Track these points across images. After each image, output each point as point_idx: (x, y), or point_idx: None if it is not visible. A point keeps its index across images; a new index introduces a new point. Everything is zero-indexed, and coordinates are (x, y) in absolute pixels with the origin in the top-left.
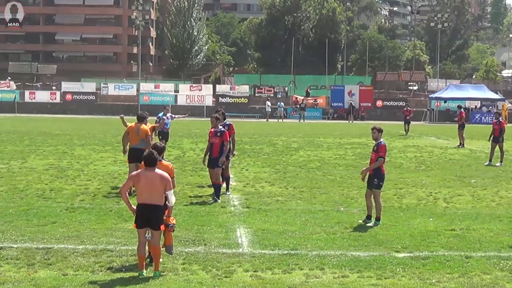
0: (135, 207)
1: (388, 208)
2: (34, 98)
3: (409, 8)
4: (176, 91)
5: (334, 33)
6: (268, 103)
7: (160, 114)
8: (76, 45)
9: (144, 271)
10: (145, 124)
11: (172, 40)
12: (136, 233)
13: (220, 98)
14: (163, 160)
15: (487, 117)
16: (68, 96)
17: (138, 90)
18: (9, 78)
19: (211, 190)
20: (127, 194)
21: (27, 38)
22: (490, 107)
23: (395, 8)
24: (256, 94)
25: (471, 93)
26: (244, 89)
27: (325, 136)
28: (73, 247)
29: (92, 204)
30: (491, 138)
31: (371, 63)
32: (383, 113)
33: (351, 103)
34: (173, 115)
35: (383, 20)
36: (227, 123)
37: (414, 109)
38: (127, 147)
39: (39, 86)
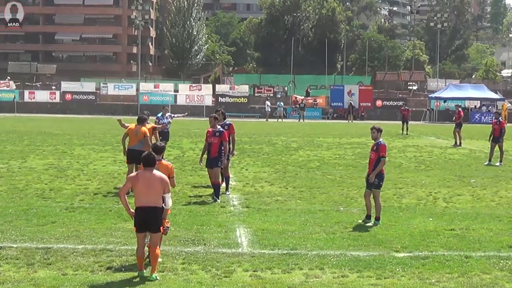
0: (133, 211)
1: (388, 208)
2: (34, 98)
3: (408, 8)
4: (176, 91)
5: (334, 33)
6: (268, 103)
7: (159, 115)
8: (75, 45)
9: (144, 271)
10: (145, 126)
11: (172, 40)
12: (136, 234)
13: (219, 98)
14: (163, 160)
15: (486, 117)
16: (68, 96)
17: (137, 90)
18: (9, 78)
19: (210, 190)
20: (125, 197)
21: (26, 38)
22: (490, 107)
23: (395, 8)
24: (256, 94)
25: (470, 93)
26: (244, 89)
27: (325, 136)
28: (73, 247)
29: (92, 204)
30: (491, 138)
31: (370, 63)
32: (382, 113)
33: (350, 103)
34: (172, 115)
35: (382, 20)
36: (227, 122)
37: (414, 109)
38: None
39: (38, 86)
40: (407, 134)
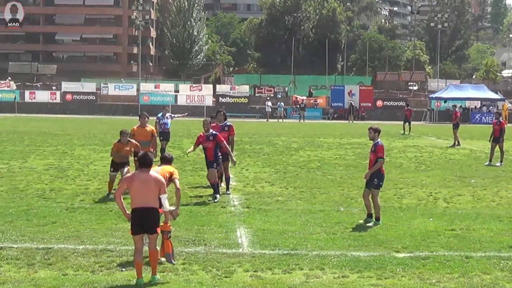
0: (129, 213)
1: (388, 208)
2: (34, 98)
3: (409, 8)
4: (176, 91)
5: (334, 33)
6: (268, 103)
7: (159, 115)
8: (76, 45)
9: (142, 279)
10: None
11: (172, 40)
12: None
13: (220, 98)
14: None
15: (487, 117)
16: (68, 96)
17: (138, 90)
18: (9, 78)
19: (211, 191)
20: (121, 199)
21: (27, 38)
22: (490, 107)
23: (395, 8)
24: (256, 94)
25: (471, 93)
26: (244, 89)
27: (325, 136)
28: (73, 247)
29: (92, 204)
30: (491, 138)
31: (371, 63)
32: (383, 113)
33: (351, 103)
34: (173, 115)
35: (383, 20)
36: (228, 123)
37: (414, 109)
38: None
39: (39, 86)
40: (408, 134)
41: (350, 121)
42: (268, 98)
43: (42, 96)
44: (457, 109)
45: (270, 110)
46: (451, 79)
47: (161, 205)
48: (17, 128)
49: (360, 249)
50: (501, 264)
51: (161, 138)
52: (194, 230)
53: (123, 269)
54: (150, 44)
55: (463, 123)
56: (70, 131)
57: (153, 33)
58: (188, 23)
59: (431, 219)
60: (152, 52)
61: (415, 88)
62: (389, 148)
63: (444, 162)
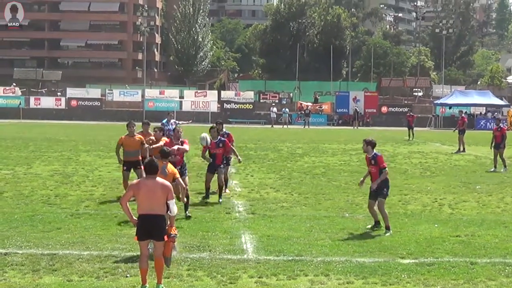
0: (136, 219)
1: (393, 214)
2: (39, 104)
3: (414, 14)
4: (181, 97)
5: (339, 39)
6: (273, 109)
7: (164, 121)
8: (81, 51)
9: (147, 285)
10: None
11: (177, 46)
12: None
13: (225, 104)
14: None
15: (492, 123)
16: (73, 102)
17: (143, 96)
18: (14, 84)
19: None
20: (127, 205)
21: (32, 44)
22: (495, 113)
23: (400, 14)
24: (261, 100)
25: (476, 99)
26: (249, 95)
27: (330, 142)
28: (78, 253)
29: (97, 210)
30: (493, 144)
31: (376, 69)
32: (388, 119)
33: (356, 109)
34: (177, 121)
35: (388, 26)
36: (226, 132)
37: (419, 115)
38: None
39: (44, 92)
40: (412, 139)
41: (355, 127)
42: (273, 104)
43: (47, 102)
44: (463, 115)
45: (275, 116)
46: (456, 85)
47: (168, 210)
48: (22, 134)
49: (365, 255)
50: (506, 270)
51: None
52: (199, 236)
53: (128, 275)
54: (155, 50)
55: (468, 129)
56: (75, 137)
57: (158, 39)
58: (193, 29)
59: (436, 225)
60: (157, 58)
61: (420, 94)
62: (394, 154)
63: (449, 168)
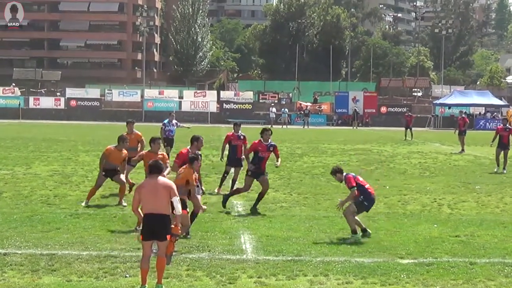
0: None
1: (393, 214)
2: (39, 104)
3: (413, 14)
4: (181, 97)
5: (339, 39)
6: (273, 109)
7: (166, 121)
8: (80, 51)
9: (146, 286)
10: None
11: (177, 47)
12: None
13: (224, 105)
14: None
15: (491, 123)
16: (73, 102)
17: (142, 96)
18: (14, 84)
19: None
20: (139, 210)
21: (31, 44)
22: (495, 113)
23: (399, 14)
24: (260, 100)
25: (475, 99)
26: (248, 95)
27: (329, 142)
28: (77, 253)
29: (96, 210)
30: (498, 144)
31: (375, 69)
32: (387, 119)
33: (355, 109)
34: (178, 123)
35: (387, 27)
36: (272, 143)
37: (419, 115)
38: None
39: (43, 92)
40: (411, 139)
41: (354, 127)
42: (272, 104)
43: (47, 102)
44: (463, 115)
45: (274, 116)
46: (456, 85)
47: (173, 208)
48: (22, 134)
49: (364, 255)
50: (506, 271)
51: (165, 144)
52: (198, 236)
53: (127, 275)
54: (154, 50)
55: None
56: (74, 137)
57: (157, 39)
58: (192, 29)
59: (435, 225)
60: (156, 58)
61: (419, 94)
62: (393, 155)
63: (448, 168)
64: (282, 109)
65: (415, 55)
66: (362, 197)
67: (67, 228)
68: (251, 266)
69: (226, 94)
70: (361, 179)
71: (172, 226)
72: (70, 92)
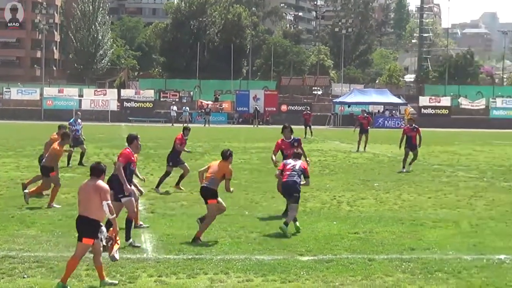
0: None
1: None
2: None
3: (313, 13)
4: (81, 95)
5: (240, 38)
6: (174, 107)
7: (72, 120)
8: None
9: (106, 279)
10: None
11: (77, 44)
12: (39, 239)
13: (125, 103)
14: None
15: (390, 122)
16: None
17: (41, 94)
18: None
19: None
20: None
21: None
22: (393, 111)
23: (300, 14)
24: (162, 99)
25: (374, 98)
26: (149, 93)
27: (230, 141)
28: None
29: None
30: (406, 144)
31: (276, 68)
32: (287, 118)
33: (256, 107)
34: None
35: (288, 25)
36: (296, 138)
37: (318, 113)
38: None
39: None
40: (311, 137)
41: (255, 126)
42: (174, 103)
43: None
44: (366, 114)
45: (175, 114)
46: (355, 83)
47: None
48: None
49: (265, 252)
50: (403, 266)
51: (72, 144)
52: None
53: (25, 276)
54: (54, 48)
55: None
56: None
57: (57, 37)
58: (93, 27)
59: (334, 223)
60: (56, 56)
61: (320, 92)
62: None
63: (347, 166)
64: (183, 108)
65: (315, 54)
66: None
67: None
68: (151, 265)
69: (126, 93)
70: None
71: (111, 229)
72: None
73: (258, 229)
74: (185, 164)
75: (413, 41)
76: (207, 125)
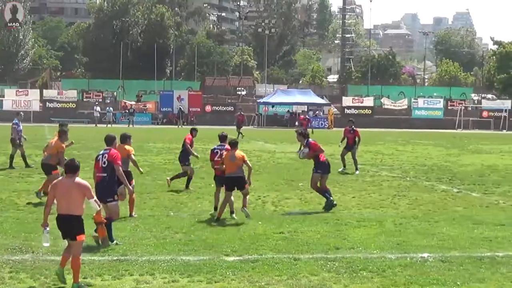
0: (44, 223)
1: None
2: None
3: (237, 14)
4: (2, 96)
5: (163, 38)
6: (97, 108)
7: (16, 121)
8: None
9: (63, 269)
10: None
11: None
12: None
13: (47, 103)
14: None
15: (313, 122)
16: None
17: None
18: None
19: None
20: (49, 208)
21: None
22: (317, 112)
23: (223, 14)
24: (85, 99)
25: (298, 98)
26: (72, 94)
27: (155, 141)
28: None
29: None
30: (345, 145)
31: (200, 68)
32: (212, 118)
33: (180, 108)
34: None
35: (211, 26)
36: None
37: (242, 113)
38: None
39: None
40: (242, 138)
41: (179, 126)
42: (97, 103)
43: None
44: (307, 116)
45: (98, 115)
46: (279, 84)
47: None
48: None
49: (190, 253)
50: (328, 265)
51: (20, 143)
52: (22, 237)
53: None
54: None
55: (291, 127)
56: None
57: None
58: None
59: (259, 223)
60: None
61: (244, 93)
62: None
63: (272, 166)
64: (107, 108)
65: (239, 54)
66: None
67: None
68: None
69: (49, 93)
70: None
71: (94, 214)
72: None
73: (183, 230)
74: (191, 166)
75: (336, 41)
76: (131, 126)
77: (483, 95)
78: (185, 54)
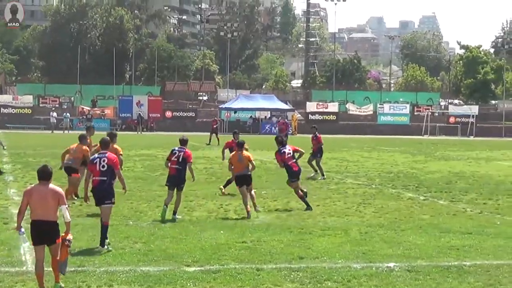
0: (17, 226)
1: (178, 221)
2: None
3: (198, 17)
4: None
5: (122, 41)
6: (54, 113)
7: None
8: None
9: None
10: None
11: None
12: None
13: (1, 109)
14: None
15: (277, 128)
16: None
17: None
18: None
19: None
20: (23, 213)
21: None
22: (280, 117)
23: (184, 17)
24: (41, 105)
25: (261, 103)
26: (28, 99)
27: None
28: None
29: None
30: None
31: (160, 72)
32: (172, 124)
33: (139, 113)
34: None
35: (172, 29)
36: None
37: (204, 120)
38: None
39: None
40: (209, 144)
41: (139, 132)
42: (53, 109)
43: None
44: (286, 120)
45: (55, 121)
46: (241, 89)
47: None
48: None
49: (150, 264)
50: (292, 276)
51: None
52: None
53: None
54: None
55: (254, 134)
56: None
57: None
58: None
59: (221, 232)
60: None
61: (205, 98)
62: None
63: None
64: (64, 114)
65: (200, 59)
66: None
67: None
68: (31, 278)
69: (3, 98)
70: None
71: (63, 233)
72: None
73: (143, 240)
74: None
75: (299, 45)
76: None
77: (450, 101)
78: (145, 58)
